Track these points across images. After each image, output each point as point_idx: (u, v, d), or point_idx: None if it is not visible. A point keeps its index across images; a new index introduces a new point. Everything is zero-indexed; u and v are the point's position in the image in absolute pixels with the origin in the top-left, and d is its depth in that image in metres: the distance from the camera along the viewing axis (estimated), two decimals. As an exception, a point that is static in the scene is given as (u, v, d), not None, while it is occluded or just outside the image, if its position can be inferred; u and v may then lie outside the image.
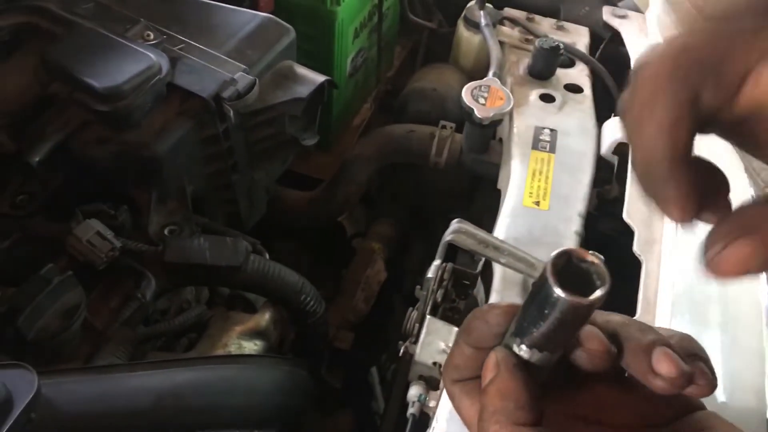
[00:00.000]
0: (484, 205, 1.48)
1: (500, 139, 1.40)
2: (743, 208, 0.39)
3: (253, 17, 1.28)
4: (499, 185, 1.30)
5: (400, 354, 1.02)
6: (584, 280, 0.39)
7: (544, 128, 1.31)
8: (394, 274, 1.61)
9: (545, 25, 1.62)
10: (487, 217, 1.28)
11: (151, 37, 1.18)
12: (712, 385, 0.45)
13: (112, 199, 1.13)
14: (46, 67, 1.09)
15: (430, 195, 1.67)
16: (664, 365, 0.43)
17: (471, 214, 1.49)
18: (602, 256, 0.39)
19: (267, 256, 1.20)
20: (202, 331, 1.11)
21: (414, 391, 0.97)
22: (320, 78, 1.25)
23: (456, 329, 0.99)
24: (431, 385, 0.98)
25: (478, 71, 1.62)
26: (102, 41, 1.12)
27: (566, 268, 0.40)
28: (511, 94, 1.30)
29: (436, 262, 1.03)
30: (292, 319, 1.18)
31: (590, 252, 0.40)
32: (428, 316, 0.99)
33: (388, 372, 1.64)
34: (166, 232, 1.12)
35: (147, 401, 0.84)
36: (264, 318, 1.13)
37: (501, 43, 1.53)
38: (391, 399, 1.31)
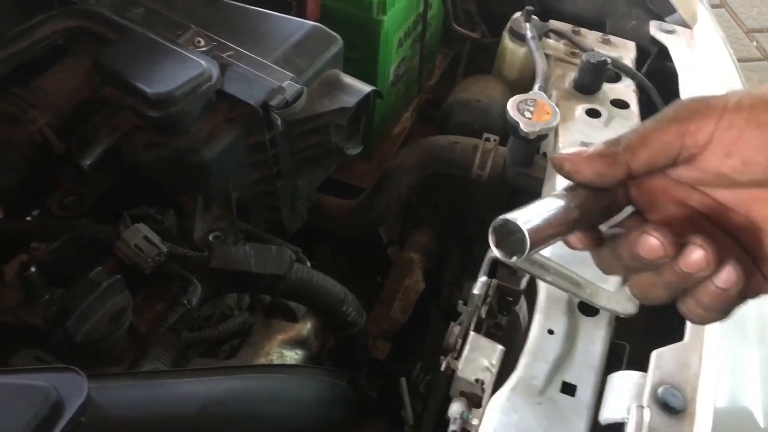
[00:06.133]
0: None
1: (544, 154, 1.39)
2: None
3: (301, 25, 1.29)
4: (543, 200, 1.29)
5: (442, 369, 1.01)
6: None
7: (589, 144, 1.29)
8: (430, 285, 1.60)
9: (591, 38, 1.61)
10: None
11: (202, 43, 1.19)
12: None
13: (159, 204, 1.14)
14: (98, 71, 1.11)
15: (468, 206, 1.66)
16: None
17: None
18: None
19: (309, 264, 1.20)
20: (244, 338, 1.11)
21: (456, 408, 0.96)
22: (366, 88, 1.25)
23: (500, 347, 0.98)
24: (473, 401, 0.97)
25: (522, 83, 1.61)
26: (154, 47, 1.13)
27: None
28: (557, 109, 1.28)
29: (483, 279, 1.02)
30: (332, 329, 1.18)
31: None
32: (472, 333, 0.99)
33: (421, 383, 1.64)
34: (210, 238, 1.13)
35: (193, 408, 0.85)
36: (306, 327, 1.13)
37: (546, 56, 1.51)
38: (427, 412, 1.30)
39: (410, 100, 1.85)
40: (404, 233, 1.77)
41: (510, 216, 0.50)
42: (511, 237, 0.50)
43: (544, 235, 0.51)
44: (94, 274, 0.97)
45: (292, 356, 1.09)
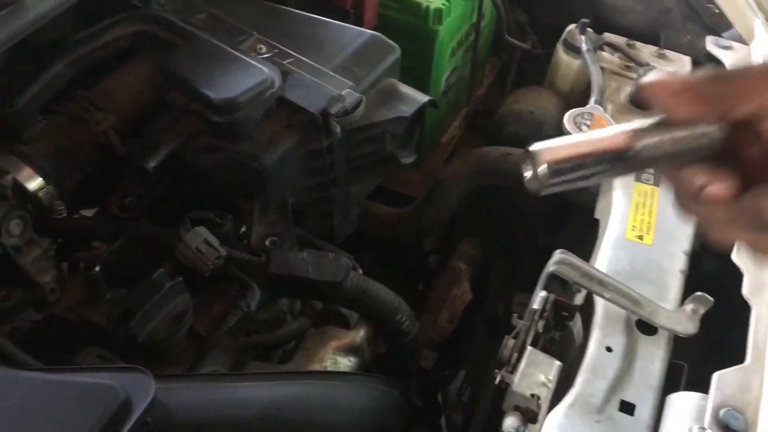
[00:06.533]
0: (575, 233, 1.46)
1: (598, 168, 1.37)
2: None
3: (359, 34, 1.29)
4: (597, 215, 1.28)
5: (496, 382, 1.01)
6: None
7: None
8: (476, 295, 1.60)
9: (646, 52, 1.59)
10: (577, 245, 1.26)
11: (263, 50, 1.20)
12: None
13: (216, 208, 1.16)
14: (164, 75, 1.13)
15: (516, 217, 1.65)
16: None
17: (559, 241, 1.47)
18: None
19: (360, 271, 1.20)
20: (298, 343, 1.12)
21: (510, 422, 0.96)
22: (423, 98, 1.26)
23: (558, 362, 0.97)
24: (527, 416, 0.97)
25: (575, 96, 1.60)
26: (218, 53, 1.15)
27: None
28: (614, 124, 1.27)
29: (542, 294, 1.01)
30: (385, 338, 1.18)
31: None
32: (529, 347, 0.98)
33: (464, 394, 1.64)
34: (267, 242, 1.14)
35: (253, 413, 0.85)
36: (359, 335, 1.14)
37: (601, 69, 1.50)
38: (473, 424, 1.30)
39: (459, 109, 1.85)
40: (446, 242, 1.77)
41: (535, 145, 0.49)
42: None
43: (564, 160, 0.49)
44: (157, 276, 0.98)
45: (346, 363, 1.09)
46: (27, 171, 1.08)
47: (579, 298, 1.10)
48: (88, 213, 1.27)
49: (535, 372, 0.97)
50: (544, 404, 0.94)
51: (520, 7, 1.94)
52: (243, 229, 1.19)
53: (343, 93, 1.17)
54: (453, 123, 1.84)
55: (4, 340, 0.88)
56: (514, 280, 1.64)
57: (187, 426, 0.82)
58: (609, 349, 0.99)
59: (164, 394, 0.82)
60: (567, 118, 1.27)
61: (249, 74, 1.11)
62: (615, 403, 0.93)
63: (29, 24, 0.97)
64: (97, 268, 1.01)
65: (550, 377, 0.96)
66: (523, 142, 1.51)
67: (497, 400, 1.10)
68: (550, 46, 1.75)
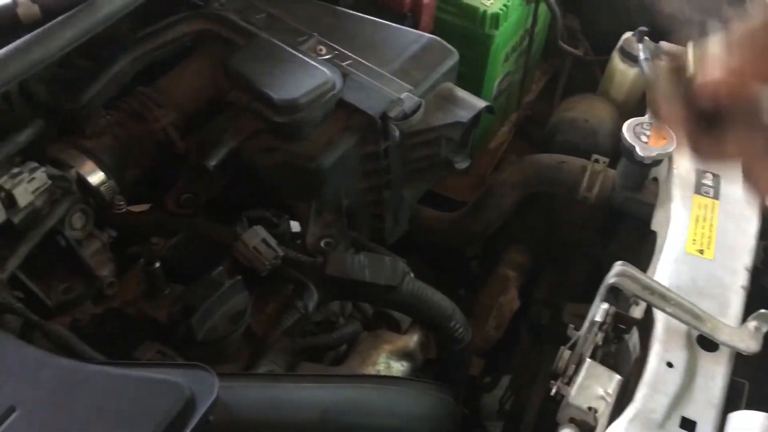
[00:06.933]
0: (626, 244, 1.44)
1: (654, 179, 1.35)
2: None
3: (418, 38, 1.29)
4: (654, 227, 1.26)
5: (552, 393, 1.00)
6: None
7: (706, 172, 1.26)
8: (523, 303, 1.59)
9: (704, 62, 1.56)
10: (629, 256, 1.24)
11: (323, 51, 1.21)
12: None
13: (271, 207, 1.16)
14: (227, 74, 1.13)
15: (564, 226, 1.64)
16: None
17: (610, 251, 1.45)
18: None
19: (412, 275, 1.20)
20: (351, 345, 1.12)
21: (566, 435, 0.95)
22: (481, 103, 1.25)
23: (618, 376, 0.96)
24: (583, 429, 0.96)
25: (629, 105, 1.58)
26: (280, 53, 1.15)
27: None
28: (674, 134, 1.25)
29: (604, 306, 1.00)
30: (438, 344, 1.18)
31: None
32: (589, 360, 0.97)
33: (507, 402, 1.63)
34: (322, 244, 1.14)
35: (314, 415, 0.85)
36: (412, 339, 1.14)
37: (658, 79, 1.48)
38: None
39: (508, 114, 1.84)
40: (488, 248, 1.76)
41: None
42: None
43: None
44: (216, 274, 0.99)
45: (398, 368, 1.09)
46: (89, 165, 1.09)
47: (637, 312, 1.09)
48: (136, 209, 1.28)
49: (593, 385, 0.95)
50: (603, 418, 0.93)
51: (572, 14, 1.92)
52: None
53: (402, 97, 1.16)
54: (502, 128, 1.83)
55: (71, 334, 0.88)
56: (560, 288, 1.63)
57: (246, 425, 0.83)
58: (670, 365, 0.97)
59: (224, 392, 0.82)
60: (626, 128, 1.25)
61: (310, 75, 1.11)
62: (676, 420, 0.91)
63: (100, 22, 0.97)
64: (158, 264, 1.02)
65: (609, 391, 0.95)
66: (576, 151, 1.51)
67: (545, 411, 1.08)
68: (602, 54, 1.73)
